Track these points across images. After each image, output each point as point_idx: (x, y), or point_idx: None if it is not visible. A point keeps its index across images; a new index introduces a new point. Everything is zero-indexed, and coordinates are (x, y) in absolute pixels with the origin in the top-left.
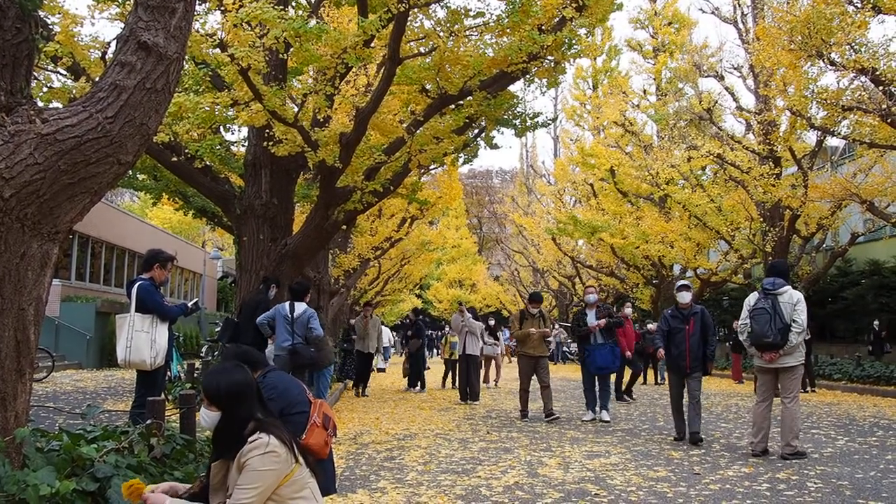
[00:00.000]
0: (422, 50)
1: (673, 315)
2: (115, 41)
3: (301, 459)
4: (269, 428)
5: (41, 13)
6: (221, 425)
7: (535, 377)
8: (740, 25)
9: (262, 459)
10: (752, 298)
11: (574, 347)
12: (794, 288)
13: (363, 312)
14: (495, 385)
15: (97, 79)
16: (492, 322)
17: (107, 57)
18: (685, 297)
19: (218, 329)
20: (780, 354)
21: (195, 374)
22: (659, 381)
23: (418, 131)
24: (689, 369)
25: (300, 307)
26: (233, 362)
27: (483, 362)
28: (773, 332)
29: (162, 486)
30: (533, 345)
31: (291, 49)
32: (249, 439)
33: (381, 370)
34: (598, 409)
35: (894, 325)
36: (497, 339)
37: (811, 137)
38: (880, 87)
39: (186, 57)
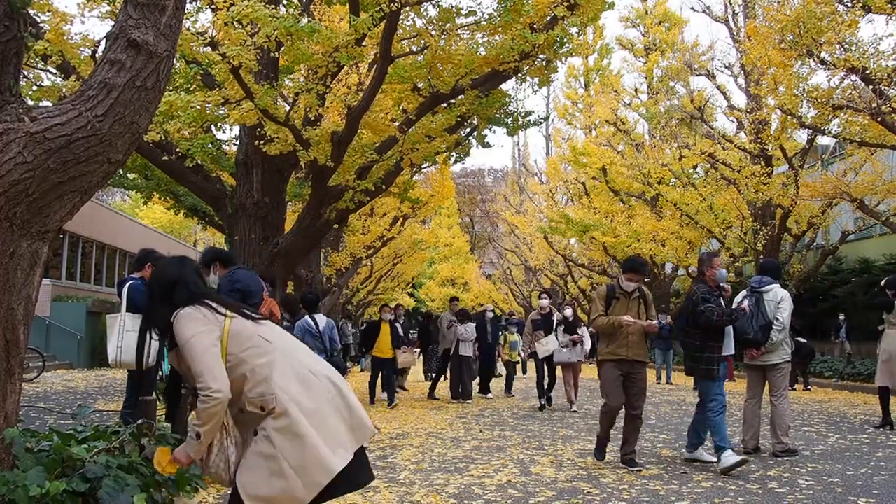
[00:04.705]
0: (414, 48)
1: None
2: (105, 39)
3: (231, 313)
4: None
5: (30, 11)
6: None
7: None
8: (731, 24)
9: (179, 328)
10: (739, 296)
11: None
12: (784, 287)
13: (454, 310)
14: (571, 407)
15: (87, 77)
16: (567, 312)
17: (97, 55)
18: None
19: None
20: (761, 352)
21: None
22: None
23: (410, 130)
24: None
25: (321, 319)
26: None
27: (561, 372)
28: (753, 329)
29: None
30: (627, 342)
31: (283, 48)
32: None
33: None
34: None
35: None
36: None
37: (802, 136)
38: (870, 86)
39: (177, 55)
